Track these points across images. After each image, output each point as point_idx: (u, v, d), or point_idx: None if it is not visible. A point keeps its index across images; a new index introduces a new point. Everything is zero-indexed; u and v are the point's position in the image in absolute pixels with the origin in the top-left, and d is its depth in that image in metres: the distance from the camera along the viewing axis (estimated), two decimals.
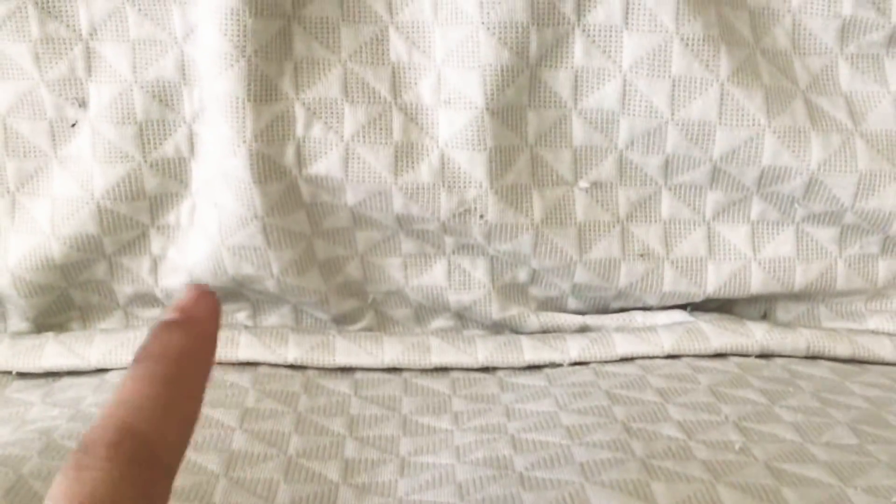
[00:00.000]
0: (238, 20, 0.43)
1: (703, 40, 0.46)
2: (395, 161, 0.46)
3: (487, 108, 0.46)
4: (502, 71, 0.45)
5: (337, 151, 0.46)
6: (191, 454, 0.37)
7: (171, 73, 0.46)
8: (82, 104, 0.46)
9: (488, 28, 0.45)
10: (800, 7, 0.48)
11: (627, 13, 0.46)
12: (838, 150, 0.47)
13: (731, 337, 0.48)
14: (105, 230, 0.47)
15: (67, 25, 0.45)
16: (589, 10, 0.46)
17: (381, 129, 0.46)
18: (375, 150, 0.46)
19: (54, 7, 0.45)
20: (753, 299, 0.52)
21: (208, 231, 0.47)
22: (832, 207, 0.48)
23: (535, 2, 0.45)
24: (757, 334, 0.49)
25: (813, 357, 0.49)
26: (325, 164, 0.46)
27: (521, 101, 0.47)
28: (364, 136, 0.46)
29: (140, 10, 0.45)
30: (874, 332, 0.51)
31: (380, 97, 0.46)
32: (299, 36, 0.45)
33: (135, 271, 0.49)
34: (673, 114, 0.46)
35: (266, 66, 0.44)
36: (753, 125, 0.46)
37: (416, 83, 0.47)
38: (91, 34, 0.46)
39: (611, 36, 0.46)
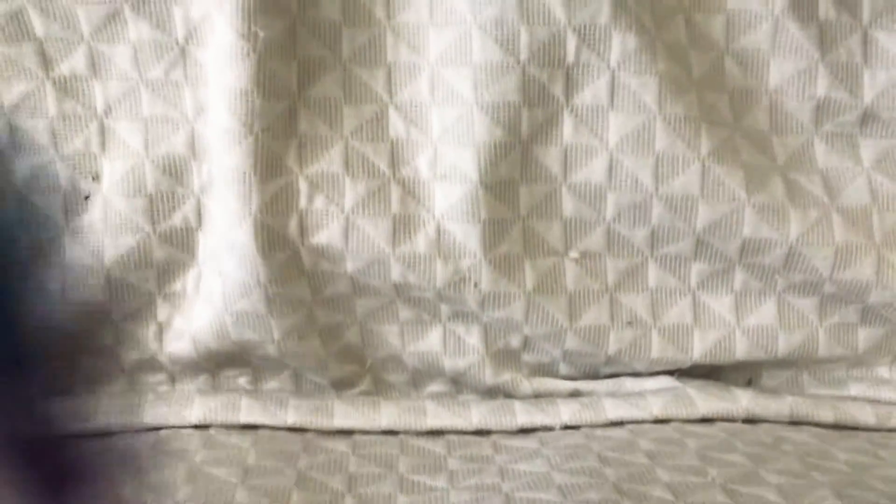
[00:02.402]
0: (247, 101, 0.45)
1: (685, 120, 0.48)
2: (394, 232, 0.48)
3: (481, 183, 0.48)
4: (495, 147, 0.48)
5: (338, 223, 0.48)
6: None
7: (181, 148, 0.48)
8: (96, 178, 0.49)
9: (482, 108, 0.48)
10: (776, 89, 0.51)
11: (613, 95, 0.48)
12: (815, 224, 0.50)
13: (718, 402, 0.50)
14: (113, 297, 0.49)
15: (83, 104, 0.48)
16: (577, 92, 0.48)
17: (380, 201, 0.48)
18: (375, 222, 0.48)
19: (71, 87, 0.48)
20: (739, 366, 0.53)
21: (212, 298, 0.49)
22: (811, 278, 0.51)
23: (526, 84, 0.48)
24: (742, 400, 0.50)
25: (797, 422, 0.50)
26: (326, 235, 0.48)
27: (513, 175, 0.49)
28: (364, 209, 0.48)
29: (153, 90, 0.48)
30: (856, 399, 0.53)
31: (379, 172, 0.49)
32: (304, 115, 0.48)
33: (140, 338, 0.51)
34: (657, 188, 0.49)
35: (272, 143, 0.47)
36: (734, 200, 0.49)
37: (413, 158, 0.49)
38: (106, 112, 0.48)
39: (598, 115, 0.49)
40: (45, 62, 0.47)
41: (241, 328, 0.49)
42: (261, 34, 0.45)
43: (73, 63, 0.48)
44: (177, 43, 0.47)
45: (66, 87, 0.48)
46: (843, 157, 0.52)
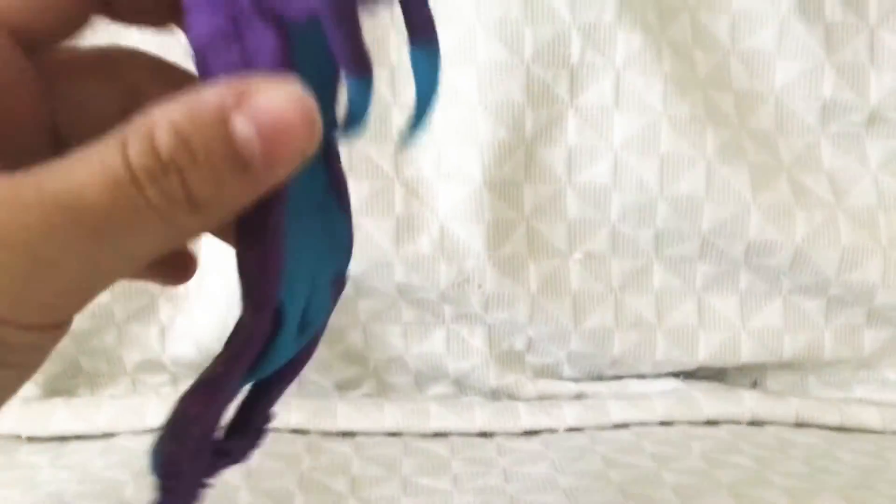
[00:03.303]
0: None
1: (690, 120, 0.48)
2: (397, 233, 0.48)
3: (485, 183, 0.48)
4: (499, 148, 0.48)
5: None
6: None
7: None
8: None
9: (486, 108, 0.47)
10: (783, 89, 0.51)
11: (618, 95, 0.48)
12: (822, 226, 0.49)
13: (723, 404, 0.50)
14: (116, 298, 0.49)
15: None
16: (582, 92, 0.48)
17: (383, 202, 0.48)
18: (378, 223, 0.48)
19: None
20: (744, 368, 0.53)
21: (215, 299, 0.49)
22: (817, 280, 0.50)
23: (530, 83, 0.47)
24: (748, 402, 0.50)
25: (803, 425, 0.50)
26: None
27: (517, 176, 0.49)
28: (367, 209, 0.48)
29: None
30: (862, 401, 0.52)
31: (382, 172, 0.48)
32: None
33: (143, 339, 0.51)
34: (662, 189, 0.48)
35: None
36: (739, 201, 0.49)
37: (417, 159, 0.49)
38: None
39: (603, 116, 0.48)
40: None
41: None
42: None
43: None
44: None
45: None
46: (849, 158, 0.52)
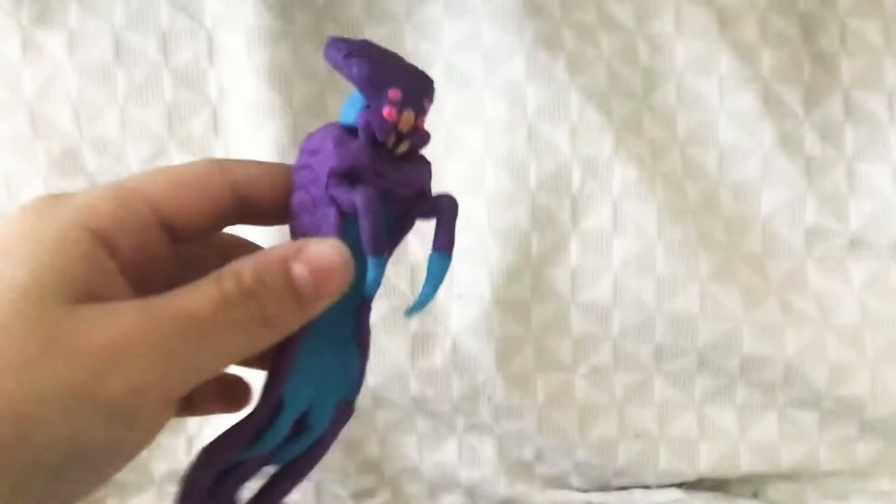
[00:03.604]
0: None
1: (683, 244, 0.52)
2: (412, 348, 0.51)
3: (495, 302, 0.51)
4: (508, 270, 0.51)
5: None
6: None
7: None
8: None
9: (495, 233, 0.51)
10: (768, 216, 0.55)
11: (616, 221, 0.52)
12: (810, 342, 0.52)
13: None
14: None
15: None
16: (583, 218, 0.52)
17: (400, 319, 0.52)
18: (395, 338, 0.51)
19: None
20: (744, 479, 0.55)
21: (240, 415, 0.51)
22: (809, 394, 0.53)
23: (535, 211, 0.51)
24: None
25: None
26: None
27: (525, 295, 0.52)
28: (385, 326, 0.51)
29: None
30: None
31: (399, 292, 0.52)
32: None
33: (171, 449, 0.53)
34: (660, 307, 0.52)
35: None
36: (732, 319, 0.52)
37: None
38: None
39: (602, 240, 0.52)
40: None
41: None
42: None
43: None
44: None
45: None
46: (834, 280, 0.55)
